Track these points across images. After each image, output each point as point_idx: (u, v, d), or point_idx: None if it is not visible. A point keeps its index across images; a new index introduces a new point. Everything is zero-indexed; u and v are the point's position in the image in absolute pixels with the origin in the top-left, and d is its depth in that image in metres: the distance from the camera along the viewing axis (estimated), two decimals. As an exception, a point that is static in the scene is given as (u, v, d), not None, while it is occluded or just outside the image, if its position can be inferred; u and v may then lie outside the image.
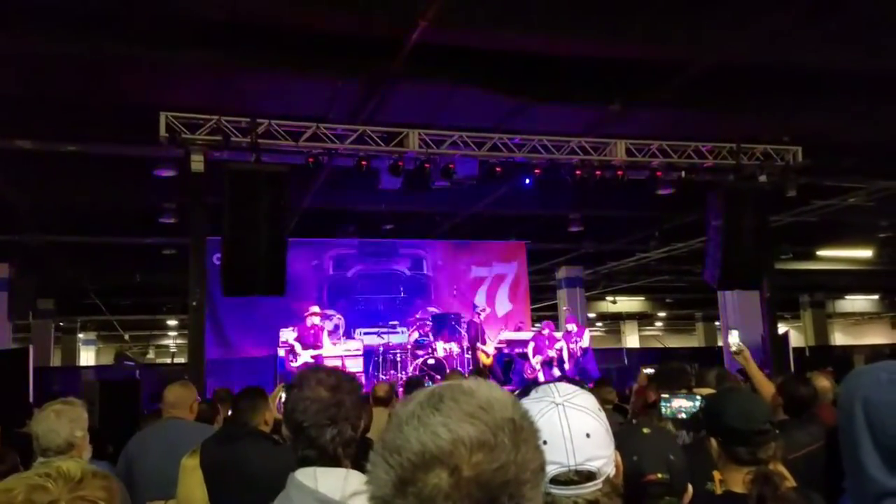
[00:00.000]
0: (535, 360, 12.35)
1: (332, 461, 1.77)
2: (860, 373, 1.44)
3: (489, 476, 0.83)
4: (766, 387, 4.05)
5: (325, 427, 1.78)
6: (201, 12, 6.06)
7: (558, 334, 12.99)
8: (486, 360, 12.20)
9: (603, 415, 1.38)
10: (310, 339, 10.85)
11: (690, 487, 1.69)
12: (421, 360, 11.56)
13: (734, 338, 4.38)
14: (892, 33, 6.79)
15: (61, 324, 22.17)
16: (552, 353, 12.41)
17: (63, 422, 2.95)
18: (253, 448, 3.35)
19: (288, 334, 11.34)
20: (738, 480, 2.04)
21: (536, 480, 0.88)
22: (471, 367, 11.74)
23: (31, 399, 9.03)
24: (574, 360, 12.68)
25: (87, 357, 27.02)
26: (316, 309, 11.32)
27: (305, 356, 10.68)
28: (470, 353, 12.14)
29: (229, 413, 4.70)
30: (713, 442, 2.11)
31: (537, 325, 17.54)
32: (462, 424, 0.85)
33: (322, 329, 11.17)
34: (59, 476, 1.30)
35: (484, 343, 12.41)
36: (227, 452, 3.36)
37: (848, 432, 1.37)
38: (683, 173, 9.56)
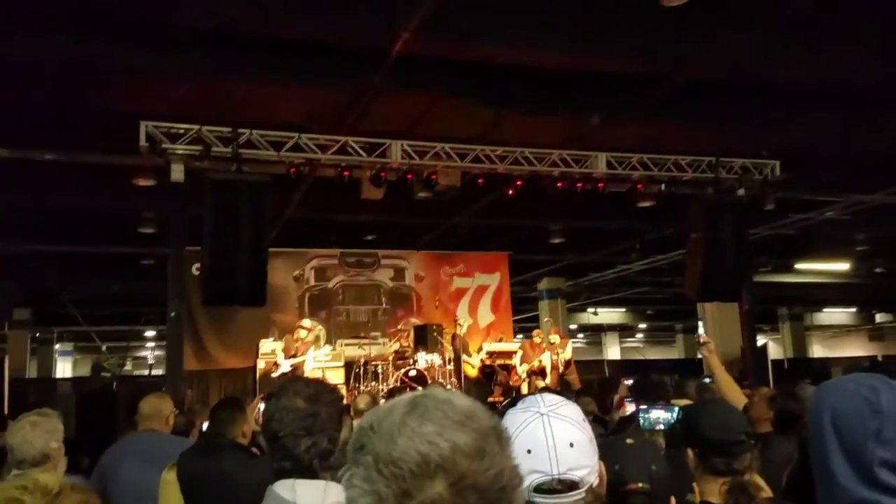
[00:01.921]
0: (522, 369, 12.35)
1: (309, 473, 1.76)
2: (828, 385, 1.48)
3: (488, 483, 0.84)
4: (732, 388, 3.92)
5: (301, 438, 1.77)
6: (183, 21, 6.04)
7: (543, 344, 12.99)
8: (471, 373, 12.17)
9: (587, 425, 1.39)
10: (295, 353, 10.79)
11: (673, 500, 1.70)
12: (402, 371, 11.52)
13: (700, 329, 4.32)
14: (867, 49, 6.91)
15: (38, 334, 21.85)
16: (538, 363, 12.41)
17: (38, 433, 2.91)
18: (231, 461, 3.32)
19: (274, 346, 11.28)
20: (714, 491, 2.05)
21: (522, 484, 0.90)
22: (454, 379, 11.71)
23: (5, 411, 8.90)
24: (556, 372, 12.68)
25: (63, 368, 26.63)
26: (306, 323, 11.28)
27: (285, 366, 10.63)
28: (453, 364, 12.11)
29: (205, 425, 4.66)
30: (690, 453, 2.12)
31: (520, 336, 17.61)
32: (456, 433, 0.85)
33: (309, 344, 11.11)
34: (36, 489, 1.29)
35: (469, 356, 12.37)
36: (204, 465, 3.33)
37: (818, 443, 1.39)
38: (663, 186, 9.65)
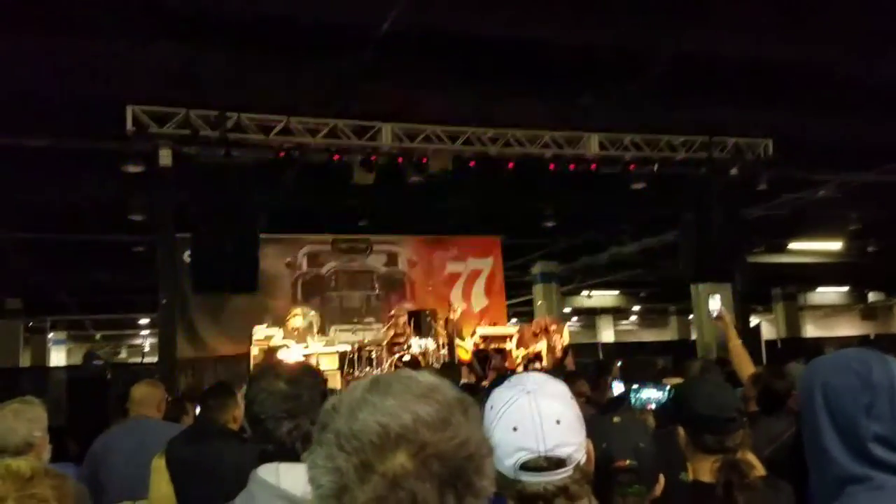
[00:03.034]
0: (518, 353, 12.36)
1: (292, 456, 1.73)
2: (820, 360, 1.47)
3: (452, 452, 0.83)
4: (745, 360, 3.96)
5: (282, 420, 1.74)
6: (168, 3, 5.95)
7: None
8: (464, 357, 12.17)
9: (574, 402, 1.38)
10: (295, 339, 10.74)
11: (662, 478, 1.68)
12: (396, 356, 11.52)
13: (716, 303, 4.25)
14: (862, 29, 6.88)
15: (31, 324, 21.80)
16: (536, 348, 12.41)
17: (21, 421, 2.87)
18: (220, 446, 3.29)
19: (268, 333, 11.23)
20: (705, 469, 2.03)
21: (491, 456, 0.89)
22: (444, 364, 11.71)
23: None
24: (552, 356, 12.68)
25: (57, 357, 26.62)
26: (297, 310, 11.23)
27: (296, 351, 10.54)
28: (447, 349, 12.11)
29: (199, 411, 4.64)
30: (681, 431, 2.11)
31: (514, 320, 17.63)
32: (418, 404, 0.85)
33: (305, 332, 11.05)
34: (8, 474, 1.31)
35: (461, 339, 12.37)
36: (194, 450, 3.30)
37: (810, 418, 1.38)
38: (656, 167, 9.62)
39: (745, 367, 3.90)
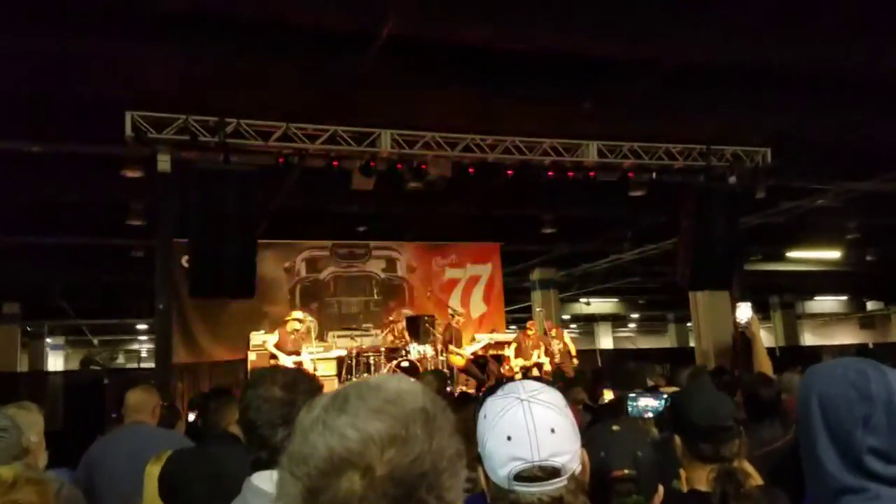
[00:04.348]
0: (516, 363, 12.32)
1: (286, 463, 1.72)
2: (817, 369, 1.45)
3: (404, 470, 0.80)
4: (766, 370, 4.02)
5: (278, 427, 1.73)
6: (167, 7, 5.96)
7: (539, 333, 12.94)
8: (458, 363, 12.14)
9: (569, 411, 1.36)
10: (290, 345, 10.66)
11: (661, 488, 1.67)
12: (394, 362, 11.49)
13: (745, 312, 4.30)
14: (859, 34, 6.89)
15: (28, 328, 21.74)
16: (535, 357, 12.38)
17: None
18: (223, 452, 3.27)
19: (265, 338, 11.19)
20: (702, 478, 2.02)
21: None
22: (446, 370, 11.66)
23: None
24: (553, 362, 12.64)
25: (55, 362, 26.55)
26: (297, 314, 11.19)
27: (287, 362, 10.43)
28: (444, 355, 12.09)
29: (192, 416, 4.63)
30: (677, 439, 2.10)
31: (513, 326, 17.59)
32: (370, 421, 0.82)
33: (304, 334, 11.00)
34: None
35: (459, 346, 12.31)
36: (193, 455, 3.28)
37: (805, 428, 1.37)
38: (654, 174, 9.62)
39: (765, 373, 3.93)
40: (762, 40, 6.85)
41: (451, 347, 12.03)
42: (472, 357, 12.42)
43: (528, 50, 6.97)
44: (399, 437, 0.82)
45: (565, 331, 14.10)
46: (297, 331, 10.79)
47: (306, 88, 7.64)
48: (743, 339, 10.55)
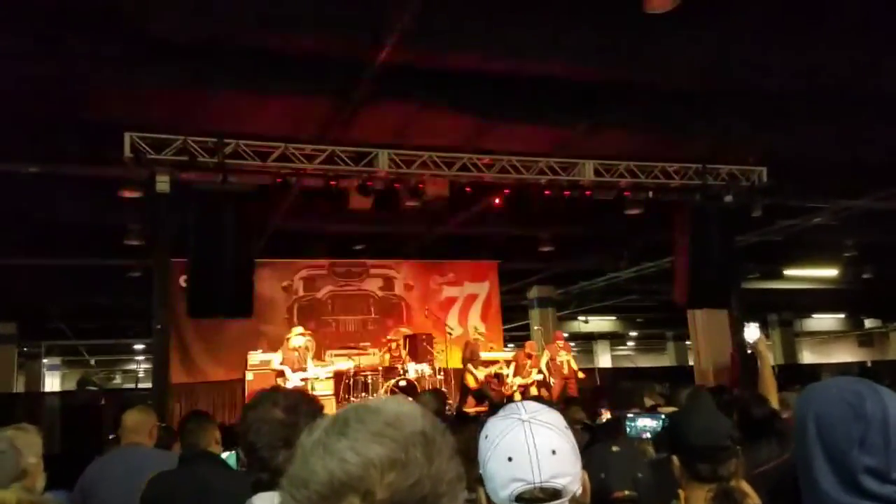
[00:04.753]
0: (514, 381, 12.29)
1: (287, 485, 1.72)
2: (813, 389, 1.46)
3: (404, 494, 0.81)
4: (771, 392, 4.05)
5: (279, 449, 1.73)
6: (166, 31, 6.01)
7: (542, 354, 12.92)
8: (471, 383, 12.05)
9: (570, 432, 1.37)
10: (296, 364, 10.59)
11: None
12: (392, 382, 11.46)
13: (754, 333, 4.44)
14: (853, 53, 6.95)
15: (24, 349, 21.65)
16: (534, 376, 12.35)
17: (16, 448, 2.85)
18: (206, 471, 3.25)
19: (269, 357, 11.13)
20: (700, 498, 2.02)
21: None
22: (445, 389, 11.61)
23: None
24: (560, 383, 12.57)
25: (52, 383, 26.41)
26: (300, 329, 11.15)
27: (295, 380, 10.38)
28: (443, 373, 12.03)
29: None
30: (675, 460, 2.10)
31: (510, 345, 17.55)
32: (370, 445, 0.82)
33: (307, 350, 10.95)
34: None
35: (477, 366, 12.16)
36: (179, 475, 3.26)
37: (802, 448, 1.38)
38: (651, 193, 9.66)
39: (768, 397, 3.95)
40: (756, 61, 6.91)
41: (469, 366, 11.96)
42: (485, 380, 12.27)
43: (525, 73, 7.03)
44: (399, 461, 0.82)
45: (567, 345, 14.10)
46: (299, 347, 10.72)
47: (305, 110, 7.69)
48: (745, 358, 10.57)
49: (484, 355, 13.18)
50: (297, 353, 10.58)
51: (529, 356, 12.61)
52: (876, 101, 7.84)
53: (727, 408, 3.78)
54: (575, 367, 12.95)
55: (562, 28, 6.25)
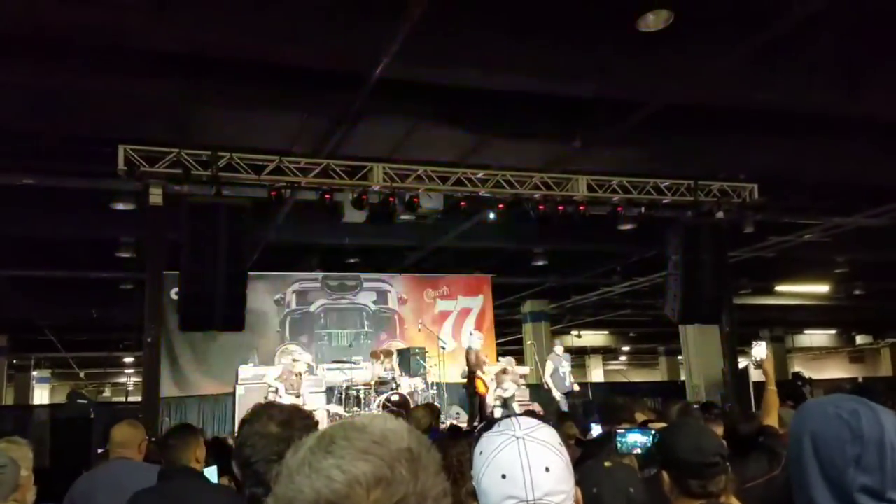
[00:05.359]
0: (492, 396, 12.19)
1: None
2: (809, 406, 1.45)
3: None
4: (772, 409, 4.13)
5: (273, 463, 1.73)
6: (161, 45, 6.03)
7: (525, 369, 12.86)
8: (482, 390, 11.96)
9: (564, 449, 1.35)
10: (294, 387, 10.45)
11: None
12: (384, 396, 11.41)
13: (760, 351, 4.44)
14: (841, 73, 7.04)
15: (14, 361, 21.52)
16: (511, 390, 12.27)
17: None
18: (186, 485, 3.21)
19: (265, 371, 11.06)
20: (690, 514, 2.03)
21: None
22: (438, 403, 11.51)
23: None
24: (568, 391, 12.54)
25: (41, 395, 26.23)
26: (310, 357, 11.05)
27: (287, 400, 10.27)
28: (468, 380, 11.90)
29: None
30: (665, 476, 2.10)
31: (501, 359, 17.48)
32: (356, 463, 0.82)
33: (302, 377, 10.88)
34: None
35: (484, 373, 12.08)
36: (158, 491, 3.23)
37: (797, 466, 1.37)
38: (643, 209, 9.71)
39: (767, 415, 4.03)
40: (747, 80, 6.98)
41: (479, 374, 11.88)
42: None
43: (519, 90, 7.08)
44: (384, 478, 0.82)
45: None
46: (302, 372, 10.65)
47: (299, 123, 7.71)
48: (735, 374, 10.59)
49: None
50: (296, 377, 10.53)
51: (509, 373, 12.54)
52: (866, 120, 7.91)
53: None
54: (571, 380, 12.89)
55: (556, 46, 6.31)
